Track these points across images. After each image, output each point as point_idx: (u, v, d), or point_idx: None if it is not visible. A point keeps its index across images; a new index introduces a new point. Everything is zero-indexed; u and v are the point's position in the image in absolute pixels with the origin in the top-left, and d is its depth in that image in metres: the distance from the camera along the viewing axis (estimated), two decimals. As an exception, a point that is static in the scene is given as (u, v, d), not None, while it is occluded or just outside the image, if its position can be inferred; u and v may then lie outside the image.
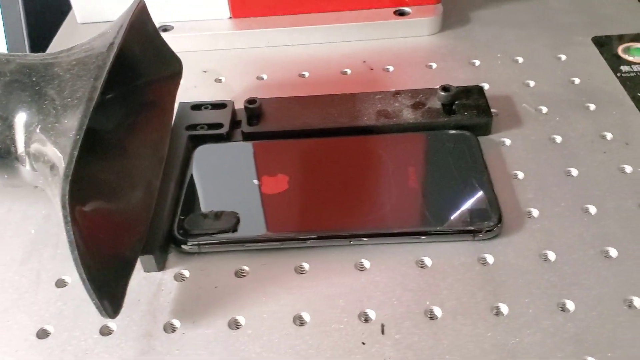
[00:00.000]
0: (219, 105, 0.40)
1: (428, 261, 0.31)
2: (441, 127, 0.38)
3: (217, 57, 0.47)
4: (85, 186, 0.31)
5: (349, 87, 0.43)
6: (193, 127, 0.39)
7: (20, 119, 0.29)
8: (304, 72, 0.45)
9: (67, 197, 0.25)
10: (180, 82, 0.39)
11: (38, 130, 0.27)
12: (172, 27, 0.49)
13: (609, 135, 0.38)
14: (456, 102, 0.39)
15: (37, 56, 0.31)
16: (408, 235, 0.32)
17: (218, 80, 0.45)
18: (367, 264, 0.31)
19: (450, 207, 0.33)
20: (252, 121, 0.39)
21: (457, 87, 0.39)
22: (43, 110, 0.28)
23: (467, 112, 0.38)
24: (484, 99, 0.39)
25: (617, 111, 0.40)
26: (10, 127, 0.29)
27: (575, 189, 0.35)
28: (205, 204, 0.34)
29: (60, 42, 0.51)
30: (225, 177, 0.36)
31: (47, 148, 0.27)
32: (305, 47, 0.48)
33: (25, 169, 0.29)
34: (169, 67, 0.39)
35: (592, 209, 0.34)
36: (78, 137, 0.26)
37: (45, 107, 0.28)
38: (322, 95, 0.41)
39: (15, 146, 0.29)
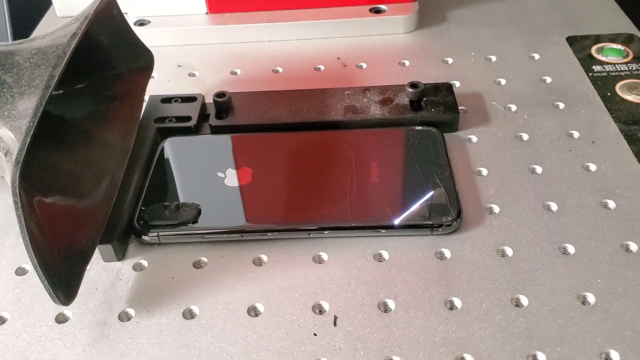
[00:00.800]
0: (188, 99, 0.41)
1: (385, 254, 0.32)
2: (408, 123, 0.38)
3: (192, 52, 0.48)
4: (45, 175, 0.31)
5: (322, 83, 0.43)
6: (161, 119, 0.39)
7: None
8: (277, 68, 0.45)
9: (17, 182, 0.25)
10: (150, 75, 0.40)
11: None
12: (149, 22, 0.49)
13: (575, 134, 0.39)
14: (424, 98, 0.39)
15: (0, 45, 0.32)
16: (367, 229, 0.32)
17: (192, 75, 0.45)
18: (325, 256, 0.32)
19: (410, 202, 0.33)
20: (220, 115, 0.39)
21: (425, 84, 0.40)
22: (0, 98, 0.29)
23: (434, 108, 0.39)
24: (452, 96, 0.40)
25: (586, 110, 0.40)
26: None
27: (538, 186, 0.35)
28: (168, 196, 0.34)
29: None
30: (190, 170, 0.36)
31: (1, 132, 0.28)
32: (281, 43, 0.48)
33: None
34: (140, 60, 0.40)
35: (554, 206, 0.34)
36: (32, 124, 0.26)
37: (3, 95, 0.29)
38: (291, 90, 0.41)
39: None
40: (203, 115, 0.40)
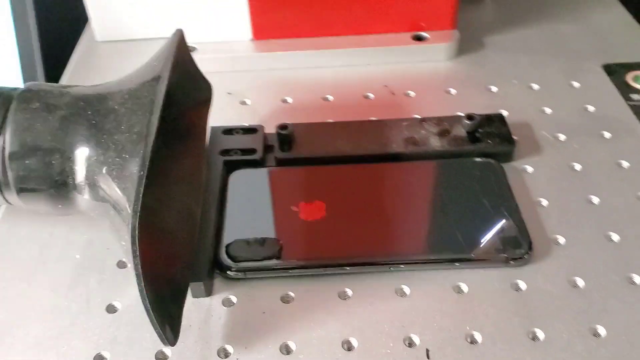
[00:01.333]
0: (250, 130, 0.42)
1: (464, 287, 0.33)
2: (467, 154, 0.40)
3: (240, 79, 0.49)
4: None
5: (373, 112, 0.45)
6: (227, 152, 0.40)
7: (81, 152, 0.30)
8: (327, 96, 0.47)
9: (136, 232, 0.26)
10: (210, 106, 0.41)
11: (104, 171, 0.28)
12: (195, 48, 0.50)
13: (625, 164, 0.41)
14: (479, 129, 0.41)
15: (88, 88, 0.33)
16: (445, 262, 0.34)
17: (243, 103, 0.46)
18: (406, 289, 0.33)
19: (483, 235, 0.35)
20: (284, 147, 0.40)
21: (479, 115, 0.41)
22: (102, 145, 0.29)
23: (491, 139, 0.40)
24: (505, 127, 0.41)
25: (632, 139, 0.42)
26: (68, 159, 0.30)
27: (597, 216, 0.37)
28: (247, 230, 0.35)
29: (80, 61, 0.51)
30: (262, 203, 0.37)
31: (109, 184, 0.29)
32: (327, 69, 0.49)
33: (84, 197, 0.30)
34: (201, 93, 0.41)
35: (615, 237, 0.36)
36: (142, 173, 0.27)
37: (104, 142, 0.29)
38: (351, 121, 0.42)
39: (73, 177, 0.30)
40: (266, 147, 0.41)
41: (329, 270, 0.34)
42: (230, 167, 0.39)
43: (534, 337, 0.31)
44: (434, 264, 0.34)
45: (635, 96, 0.46)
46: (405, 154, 0.40)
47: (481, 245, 0.34)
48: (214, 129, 0.42)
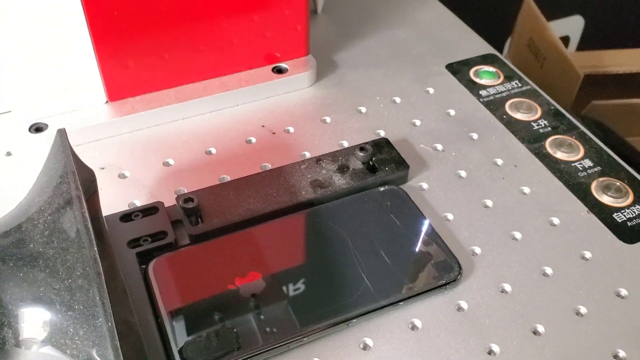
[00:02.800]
0: (149, 210, 0.39)
1: (418, 322, 0.35)
2: (370, 186, 0.41)
3: (107, 149, 0.45)
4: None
5: (262, 157, 0.44)
6: (134, 242, 0.37)
7: (16, 316, 0.25)
8: (209, 149, 0.45)
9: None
10: (98, 192, 0.37)
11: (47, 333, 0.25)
12: (47, 125, 0.44)
13: (499, 161, 0.45)
14: (373, 158, 0.42)
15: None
16: (395, 304, 0.35)
17: (122, 176, 0.43)
18: (369, 341, 0.34)
19: (416, 267, 0.36)
20: (193, 220, 0.38)
21: (369, 143, 0.43)
22: (41, 300, 0.25)
23: (387, 166, 0.42)
24: (394, 150, 0.43)
25: (495, 136, 0.47)
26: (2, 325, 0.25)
27: (496, 218, 0.41)
28: (192, 325, 0.33)
29: None
30: (197, 288, 0.35)
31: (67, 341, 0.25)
32: (197, 119, 0.47)
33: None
34: (89, 183, 0.37)
35: (518, 235, 0.40)
36: (110, 324, 0.24)
37: (45, 297, 0.26)
38: (251, 175, 0.41)
39: (15, 338, 0.26)
40: (173, 223, 0.38)
41: (292, 344, 0.33)
42: (144, 258, 0.36)
43: (490, 352, 0.34)
44: (385, 308, 0.35)
45: (483, 92, 0.51)
46: (317, 198, 0.40)
47: (419, 278, 0.36)
48: (108, 218, 0.38)
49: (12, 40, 0.41)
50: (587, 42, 0.88)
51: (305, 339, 0.33)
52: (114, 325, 0.24)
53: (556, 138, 0.47)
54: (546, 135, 0.47)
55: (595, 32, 0.89)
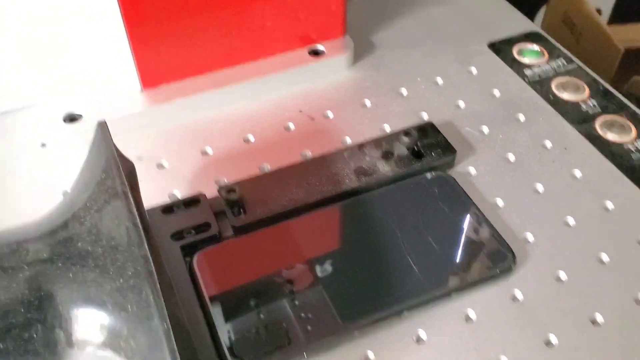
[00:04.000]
0: (192, 202, 0.38)
1: (472, 314, 0.34)
2: (416, 173, 0.40)
3: (143, 139, 0.44)
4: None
5: (302, 143, 0.43)
6: (178, 234, 0.36)
7: (68, 317, 0.25)
8: (247, 136, 0.44)
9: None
10: (138, 185, 0.36)
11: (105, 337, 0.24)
12: (80, 116, 0.44)
13: (548, 143, 0.44)
14: (418, 143, 0.41)
15: (42, 231, 0.27)
16: (448, 294, 0.34)
17: (160, 166, 0.42)
18: (423, 334, 0.33)
19: (469, 256, 0.36)
20: (236, 211, 0.37)
21: (414, 128, 0.41)
22: (93, 301, 0.25)
23: (433, 151, 0.41)
24: (440, 135, 0.42)
25: (542, 117, 0.45)
26: (53, 328, 0.25)
27: (549, 204, 0.40)
28: (241, 320, 0.33)
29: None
30: (244, 282, 0.34)
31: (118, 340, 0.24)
32: (233, 106, 0.46)
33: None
34: (130, 176, 0.36)
35: (571, 220, 0.39)
36: (166, 325, 0.24)
37: (96, 295, 0.25)
38: (293, 164, 0.40)
39: (68, 339, 0.25)
40: (216, 215, 0.38)
41: (341, 337, 0.32)
42: (188, 251, 0.36)
43: (548, 343, 0.33)
44: (438, 299, 0.34)
45: (528, 72, 0.49)
46: (362, 187, 0.39)
47: (471, 267, 0.35)
48: (149, 210, 0.37)
49: (45, 28, 0.40)
50: (618, 15, 0.86)
51: (356, 332, 0.32)
52: (170, 327, 0.23)
53: (606, 118, 0.45)
54: (595, 116, 0.45)
55: (627, 4, 0.86)
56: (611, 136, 0.44)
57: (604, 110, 0.46)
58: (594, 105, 0.46)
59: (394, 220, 0.37)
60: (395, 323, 0.34)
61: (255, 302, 0.33)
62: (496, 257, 0.35)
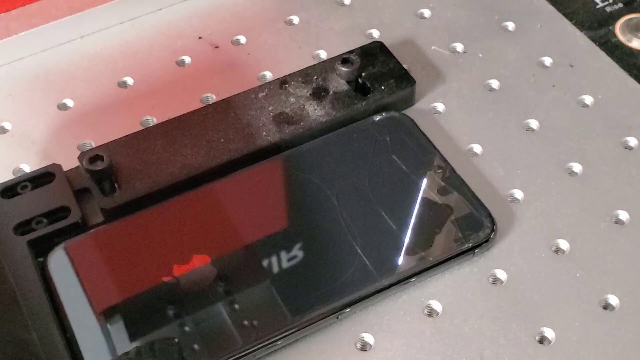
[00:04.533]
0: (42, 178, 0.38)
1: (437, 305, 0.35)
2: (361, 116, 0.41)
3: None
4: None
5: (201, 83, 0.44)
6: (25, 225, 0.37)
7: None
8: (123, 78, 0.44)
9: None
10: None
11: None
12: None
13: (547, 60, 0.45)
14: (363, 73, 0.42)
15: None
16: (401, 283, 0.35)
17: (2, 130, 0.43)
18: (369, 338, 0.34)
19: (433, 227, 0.37)
20: (107, 187, 0.38)
21: (352, 51, 0.42)
22: None
23: (384, 84, 0.42)
24: (393, 60, 0.43)
25: (540, 23, 0.46)
26: None
27: (545, 147, 0.41)
28: (116, 338, 0.33)
29: None
30: (115, 285, 0.35)
31: None
32: (103, 34, 0.47)
33: None
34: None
35: (576, 167, 0.40)
36: None
37: None
38: (185, 114, 0.41)
39: None
40: (77, 194, 0.38)
41: (257, 352, 0.33)
42: (40, 247, 0.37)
43: (543, 339, 0.34)
44: (390, 289, 0.35)
45: (520, -40, 0.50)
46: (286, 140, 0.40)
47: (435, 243, 0.36)
48: (-18, 193, 0.38)
49: None
50: None
51: (279, 342, 0.33)
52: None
53: (631, 18, 0.46)
54: (616, 16, 0.46)
55: None
56: (637, 43, 0.45)
57: (628, 6, 0.47)
58: (613, 1, 0.47)
59: (329, 183, 0.38)
60: (332, 327, 0.34)
61: (136, 315, 0.34)
62: (469, 226, 0.36)
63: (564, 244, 0.37)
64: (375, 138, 0.40)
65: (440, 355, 0.34)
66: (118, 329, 0.34)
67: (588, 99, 0.43)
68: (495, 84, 0.44)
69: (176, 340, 0.32)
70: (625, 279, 0.36)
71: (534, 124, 0.42)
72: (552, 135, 0.41)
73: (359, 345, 0.34)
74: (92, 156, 0.38)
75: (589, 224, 0.38)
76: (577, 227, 0.38)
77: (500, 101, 0.43)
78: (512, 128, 0.42)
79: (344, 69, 0.41)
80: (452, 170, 0.39)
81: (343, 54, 0.42)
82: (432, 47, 0.45)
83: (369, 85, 0.42)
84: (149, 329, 0.34)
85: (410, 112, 0.42)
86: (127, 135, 0.40)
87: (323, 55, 0.45)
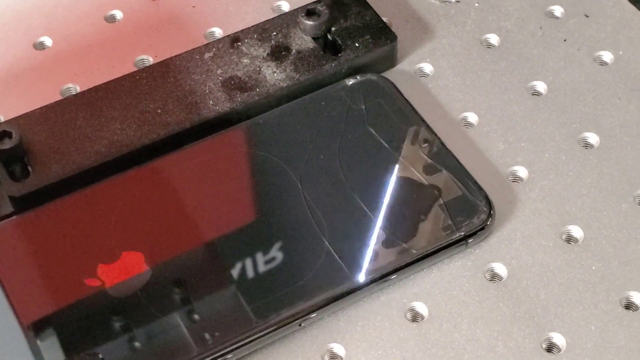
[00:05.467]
0: None
1: (421, 308, 0.35)
2: (330, 79, 0.41)
3: None
4: None
5: (135, 44, 0.44)
6: None
7: None
8: (40, 39, 0.44)
9: None
10: None
11: None
12: None
13: (557, 10, 0.44)
14: (332, 28, 0.41)
15: None
16: (378, 281, 0.35)
17: None
18: (339, 349, 0.34)
19: (418, 214, 0.36)
20: (15, 171, 0.38)
21: (319, 0, 0.42)
22: None
23: (358, 41, 0.41)
24: (369, 10, 0.43)
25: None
26: None
27: (553, 113, 0.40)
28: (25, 354, 0.33)
29: None
30: (27, 291, 0.35)
31: None
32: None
33: None
34: None
35: (591, 137, 0.40)
36: None
37: None
38: (114, 80, 0.40)
39: None
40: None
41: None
42: None
43: (551, 347, 0.34)
44: (366, 289, 0.35)
45: None
46: (236, 110, 0.39)
47: (419, 232, 0.36)
48: None
49: None
50: None
51: (228, 355, 0.33)
52: None
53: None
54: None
55: None
56: (667, -12, 0.45)
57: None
58: None
59: (290, 162, 0.38)
60: (293, 336, 0.34)
61: (54, 325, 0.34)
62: (462, 211, 0.36)
63: (576, 231, 0.37)
64: (348, 106, 0.40)
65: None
66: (32, 343, 0.33)
67: (606, 56, 0.42)
68: (494, 39, 0.43)
69: (100, 356, 0.32)
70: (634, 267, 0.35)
71: (540, 86, 0.41)
72: (562, 100, 0.41)
73: (326, 358, 0.34)
74: (1, 132, 0.38)
75: (607, 206, 0.37)
76: (592, 210, 0.37)
77: (501, 60, 0.42)
78: (514, 92, 0.41)
79: (309, 23, 0.41)
80: (441, 143, 0.38)
81: (308, 4, 0.42)
82: (418, -6, 0.45)
83: (339, 42, 0.41)
84: (69, 343, 0.33)
85: (390, 74, 0.42)
86: (42, 107, 0.40)
87: (285, 6, 0.44)
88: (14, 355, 0.33)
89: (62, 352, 0.33)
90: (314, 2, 0.42)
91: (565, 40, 0.43)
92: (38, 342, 0.33)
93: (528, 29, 0.43)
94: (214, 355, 0.33)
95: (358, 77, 0.40)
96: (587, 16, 0.44)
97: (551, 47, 0.43)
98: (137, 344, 0.33)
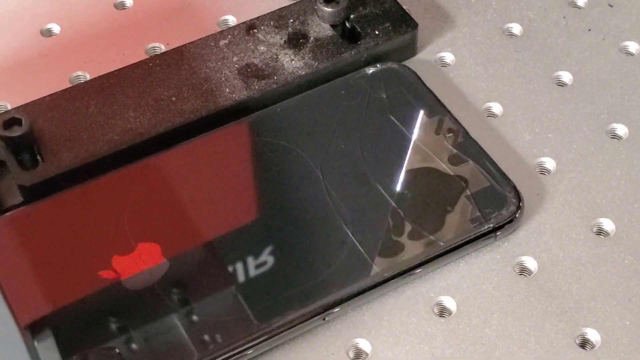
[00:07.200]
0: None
1: (450, 302, 0.34)
2: (349, 67, 0.40)
3: None
4: None
5: (147, 31, 0.43)
6: None
7: None
8: (48, 26, 0.44)
9: None
10: None
11: None
12: None
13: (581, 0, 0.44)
14: (351, 16, 0.41)
15: None
16: (404, 275, 0.34)
17: None
18: (365, 345, 0.33)
19: (444, 205, 0.36)
20: (25, 160, 0.37)
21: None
22: None
23: (378, 28, 0.41)
24: (390, -1, 0.42)
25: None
26: None
27: (580, 103, 0.40)
28: (40, 347, 0.32)
29: None
30: (40, 283, 0.34)
31: None
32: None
33: None
34: None
35: (620, 128, 0.39)
36: None
37: None
38: (126, 67, 0.40)
39: None
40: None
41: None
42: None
43: (585, 342, 0.33)
44: (391, 284, 0.34)
45: None
46: (253, 98, 0.39)
47: (446, 224, 0.35)
48: None
49: None
50: None
51: (249, 351, 0.32)
52: None
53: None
54: None
55: None
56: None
57: None
58: None
59: (310, 152, 0.37)
60: (317, 331, 0.33)
61: (66, 320, 0.33)
62: (489, 203, 0.36)
63: (607, 224, 0.36)
64: (369, 95, 0.39)
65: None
66: (44, 338, 0.33)
67: (632, 46, 0.42)
68: (516, 28, 0.43)
69: (117, 350, 0.32)
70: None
71: (566, 76, 0.41)
72: (589, 90, 0.40)
73: (351, 354, 0.33)
74: (6, 120, 0.37)
75: (638, 198, 0.37)
76: (623, 202, 0.37)
77: (524, 49, 0.42)
78: (539, 82, 0.41)
79: (328, 10, 0.41)
80: (466, 133, 0.38)
81: (327, -9, 0.41)
82: (438, -17, 0.44)
83: (359, 29, 0.41)
84: (84, 337, 0.33)
85: (410, 63, 0.41)
86: (52, 94, 0.39)
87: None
88: (25, 347, 0.33)
89: (76, 344, 0.32)
90: (333, -13, 0.41)
91: (589, 30, 0.43)
92: (51, 333, 0.33)
93: (551, 19, 0.43)
94: (235, 350, 0.32)
95: (378, 66, 0.40)
96: (611, 6, 0.44)
97: (575, 36, 0.43)
98: (153, 337, 0.33)
